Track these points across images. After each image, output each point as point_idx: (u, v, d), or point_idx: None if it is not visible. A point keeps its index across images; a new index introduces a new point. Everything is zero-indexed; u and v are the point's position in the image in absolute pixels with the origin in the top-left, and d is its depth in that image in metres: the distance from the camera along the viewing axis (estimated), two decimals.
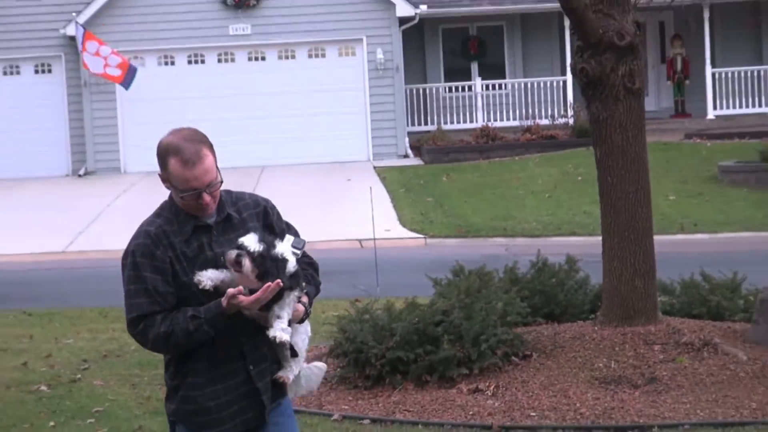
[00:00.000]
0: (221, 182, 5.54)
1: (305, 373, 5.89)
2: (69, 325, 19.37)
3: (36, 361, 16.48)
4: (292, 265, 5.39)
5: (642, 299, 15.35)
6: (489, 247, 25.92)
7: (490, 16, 45.74)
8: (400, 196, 35.41)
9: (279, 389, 5.79)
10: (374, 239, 18.64)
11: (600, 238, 15.78)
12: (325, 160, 40.69)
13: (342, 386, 13.83)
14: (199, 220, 5.57)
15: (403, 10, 42.50)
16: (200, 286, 5.39)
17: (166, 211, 5.61)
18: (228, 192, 5.74)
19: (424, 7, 43.14)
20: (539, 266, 16.50)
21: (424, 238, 31.19)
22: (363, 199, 27.20)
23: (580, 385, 13.78)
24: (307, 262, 5.78)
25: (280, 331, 5.31)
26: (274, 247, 5.33)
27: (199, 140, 5.45)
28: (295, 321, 5.57)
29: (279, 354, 5.68)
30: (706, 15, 44.02)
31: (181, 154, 5.36)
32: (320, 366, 6.05)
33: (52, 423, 13.23)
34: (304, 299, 5.63)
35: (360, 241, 24.65)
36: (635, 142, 15.72)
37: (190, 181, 5.36)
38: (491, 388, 13.84)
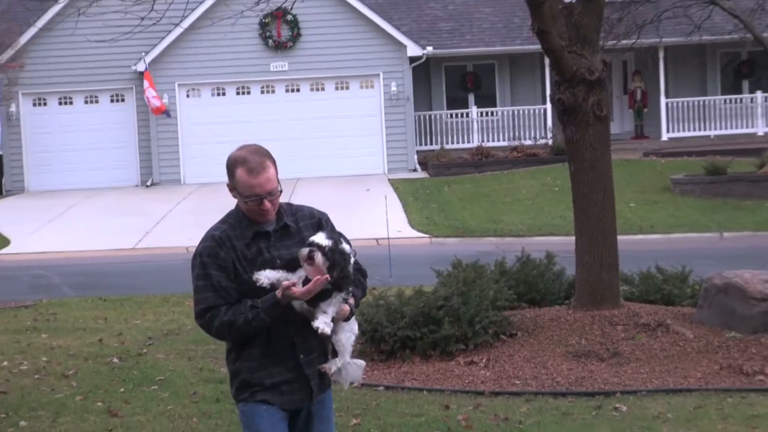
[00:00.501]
0: (281, 192, 5.50)
1: (347, 367, 5.74)
2: (137, 308, 19.38)
3: (109, 338, 16.51)
4: (351, 263, 5.40)
5: (607, 288, 15.46)
6: (482, 245, 25.87)
7: (484, 56, 45.68)
8: (410, 203, 35.32)
9: (325, 378, 5.72)
10: (388, 238, 18.66)
11: (573, 237, 15.90)
12: (348, 174, 40.59)
13: (361, 359, 13.85)
14: (259, 227, 5.52)
15: (413, 50, 42.50)
16: (258, 284, 5.35)
17: (231, 218, 5.57)
18: (289, 204, 5.69)
19: (430, 48, 43.20)
20: (523, 261, 16.57)
21: (429, 237, 31.12)
22: (379, 205, 27.29)
23: (556, 358, 13.89)
24: (356, 269, 5.67)
25: (323, 323, 5.24)
26: (341, 242, 5.33)
27: (263, 154, 5.43)
28: (341, 319, 5.49)
29: (326, 347, 5.63)
30: (661, 55, 43.86)
31: (247, 164, 5.35)
32: (360, 363, 5.88)
33: (122, 389, 13.25)
34: (351, 301, 5.54)
35: (377, 239, 24.58)
36: (602, 159, 15.83)
37: (254, 188, 5.34)
38: (483, 360, 13.94)
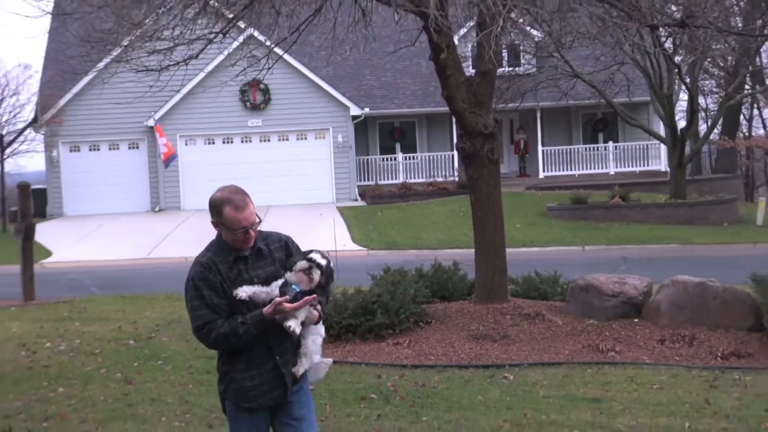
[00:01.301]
0: (260, 221, 5.37)
1: (315, 367, 5.51)
2: (147, 303, 19.28)
3: (126, 325, 16.40)
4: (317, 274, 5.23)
5: (498, 287, 15.53)
6: (406, 255, 25.81)
7: (407, 115, 45.76)
8: (352, 224, 35.26)
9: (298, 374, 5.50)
10: (336, 250, 18.61)
11: (473, 250, 15.94)
12: (306, 202, 40.49)
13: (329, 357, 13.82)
14: (238, 252, 5.34)
15: (354, 111, 42.60)
16: (237, 297, 5.19)
17: (214, 246, 5.40)
18: (260, 231, 5.46)
19: (367, 109, 43.23)
20: (436, 267, 16.58)
21: (367, 250, 30.94)
22: (329, 226, 27.17)
23: (460, 340, 13.93)
24: (329, 277, 5.44)
25: (294, 324, 5.08)
26: (329, 262, 5.23)
27: (243, 192, 5.29)
28: (311, 323, 5.31)
29: (298, 349, 5.41)
30: (538, 114, 44.14)
31: (233, 203, 5.21)
32: (327, 361, 5.64)
33: (135, 364, 13.20)
34: (319, 307, 5.35)
35: (327, 251, 24.54)
36: (494, 191, 15.90)
37: (241, 221, 5.20)
38: (406, 342, 13.95)
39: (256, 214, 5.33)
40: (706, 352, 13.13)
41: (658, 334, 13.88)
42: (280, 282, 5.34)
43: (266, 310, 5.12)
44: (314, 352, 5.37)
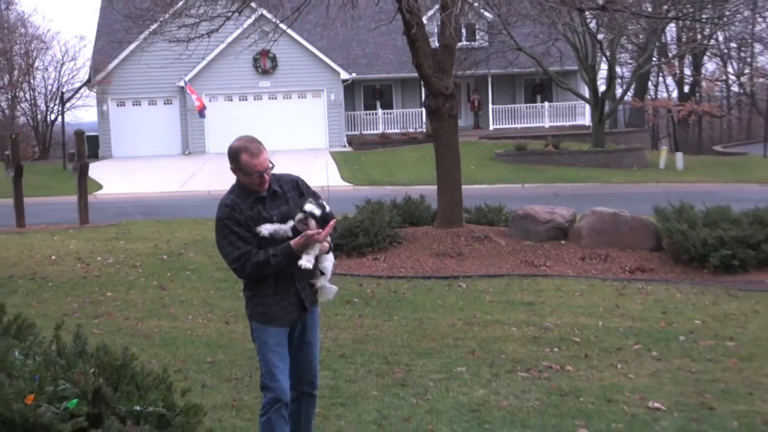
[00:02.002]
0: (273, 167, 5.01)
1: (326, 287, 5.21)
2: (178, 226, 19.23)
3: (161, 243, 16.37)
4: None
5: (455, 216, 15.52)
6: (384, 190, 25.77)
7: (386, 79, 45.59)
8: (341, 165, 35.15)
9: (313, 297, 5.22)
10: (328, 186, 18.51)
11: (436, 186, 15.91)
12: (305, 148, 40.20)
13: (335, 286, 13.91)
14: (257, 194, 4.98)
15: (344, 75, 42.37)
16: (260, 234, 4.86)
17: (236, 190, 5.02)
18: (273, 174, 5.08)
19: (354, 74, 43.01)
20: (407, 199, 16.53)
21: (352, 186, 30.78)
22: (323, 166, 27.15)
23: (425, 257, 13.94)
24: (330, 214, 5.05)
25: (305, 261, 4.79)
26: (324, 208, 4.86)
27: (257, 141, 4.96)
28: (324, 253, 5.03)
29: (312, 275, 5.09)
30: (489, 80, 44.01)
31: (249, 151, 4.87)
32: (334, 288, 5.27)
33: (168, 274, 13.19)
34: (329, 239, 5.02)
35: (321, 186, 24.43)
36: (453, 140, 15.87)
37: (255, 167, 4.85)
38: (382, 258, 13.95)
39: (269, 160, 5.00)
40: (616, 267, 13.27)
41: (580, 253, 13.97)
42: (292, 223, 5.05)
43: (295, 242, 4.84)
44: (328, 272, 5.14)
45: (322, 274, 5.16)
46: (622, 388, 7.22)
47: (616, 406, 6.74)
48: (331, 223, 4.88)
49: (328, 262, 5.15)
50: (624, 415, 6.53)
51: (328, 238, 5.02)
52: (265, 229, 4.86)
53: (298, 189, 5.26)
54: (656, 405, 6.75)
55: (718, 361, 8.08)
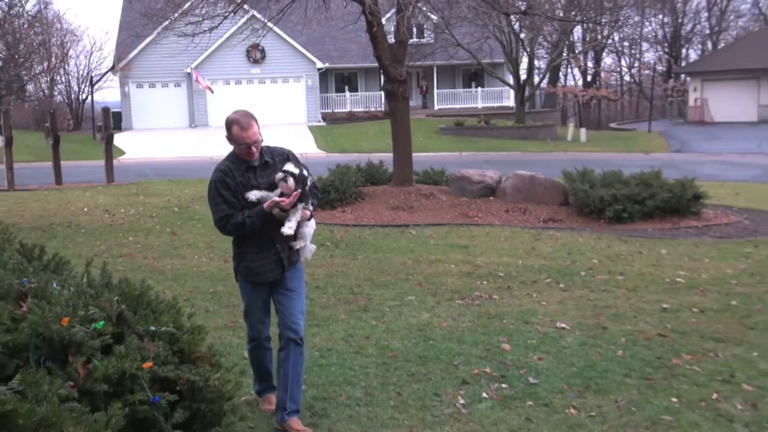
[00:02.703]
0: (262, 141, 4.60)
1: (306, 248, 4.79)
2: (186, 185, 19.08)
3: (173, 198, 16.23)
4: (307, 184, 4.52)
5: (407, 177, 15.50)
6: (351, 157, 25.61)
7: (352, 68, 45.13)
8: (317, 137, 34.95)
9: (293, 257, 4.76)
10: (306, 153, 18.45)
11: (392, 154, 15.88)
12: (288, 122, 39.90)
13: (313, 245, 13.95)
14: (248, 163, 4.58)
15: (319, 65, 41.99)
16: (249, 200, 4.48)
17: (231, 157, 4.61)
18: (267, 146, 4.73)
19: (327, 64, 42.60)
20: (369, 164, 16.48)
21: (326, 153, 30.49)
22: (302, 137, 27.04)
23: (383, 209, 13.93)
24: (313, 185, 4.72)
25: (287, 228, 4.43)
26: (301, 171, 4.50)
27: (250, 115, 4.57)
28: (305, 220, 4.62)
29: (292, 239, 4.66)
30: (435, 69, 43.82)
31: (239, 124, 4.49)
32: (312, 247, 4.87)
33: (179, 222, 13.04)
34: (310, 207, 4.63)
35: (301, 154, 24.45)
36: (405, 117, 15.78)
37: (244, 139, 4.47)
38: (349, 210, 13.90)
39: (259, 134, 4.61)
40: (533, 218, 13.35)
41: (504, 207, 14.04)
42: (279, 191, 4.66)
43: (266, 205, 4.46)
44: (308, 236, 4.73)
45: (301, 238, 4.76)
46: (536, 312, 7.31)
47: (531, 327, 6.82)
48: (295, 193, 4.44)
49: (308, 228, 4.77)
50: (537, 334, 6.61)
51: (310, 208, 4.65)
52: (253, 194, 4.53)
53: (288, 161, 4.86)
54: (562, 325, 6.85)
55: (611, 291, 8.21)
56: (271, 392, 4.97)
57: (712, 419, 4.89)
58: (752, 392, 5.34)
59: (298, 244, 4.75)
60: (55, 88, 51.14)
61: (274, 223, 4.52)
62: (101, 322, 2.69)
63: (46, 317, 2.57)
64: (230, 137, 4.58)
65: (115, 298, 2.88)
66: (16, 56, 39.42)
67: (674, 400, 5.17)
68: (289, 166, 4.56)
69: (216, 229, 4.69)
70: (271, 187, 4.59)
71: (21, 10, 42.70)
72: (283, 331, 4.74)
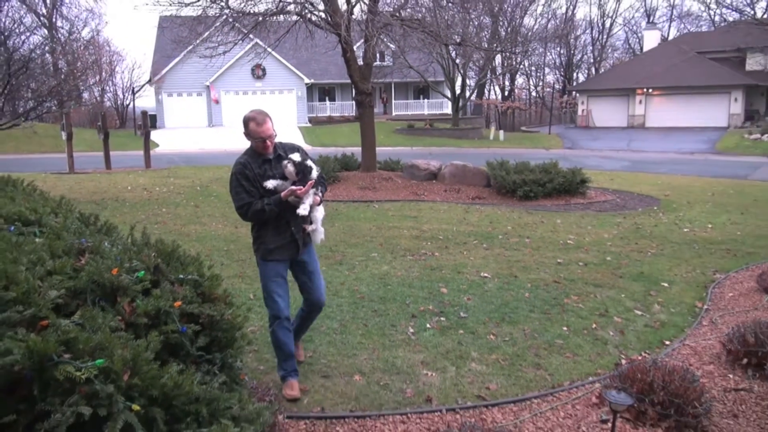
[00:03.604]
0: (275, 135, 4.05)
1: (317, 231, 4.19)
2: (206, 170, 18.80)
3: (195, 180, 15.91)
4: (315, 174, 3.98)
5: (372, 165, 15.42)
6: (330, 150, 25.46)
7: (332, 84, 44.58)
8: (305, 134, 34.57)
9: (306, 238, 4.17)
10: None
11: (361, 147, 15.77)
12: (283, 124, 39.28)
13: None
14: (264, 156, 4.02)
15: (306, 81, 41.35)
16: (267, 188, 3.91)
17: (249, 151, 4.03)
18: (281, 142, 4.16)
19: (312, 80, 42.02)
20: (344, 155, 16.34)
21: (312, 147, 30.29)
22: (294, 135, 26.68)
23: (354, 189, 13.78)
24: (320, 176, 4.10)
25: (302, 209, 3.89)
26: (305, 161, 3.97)
27: (264, 113, 4.04)
28: (315, 205, 4.07)
29: (306, 221, 4.10)
30: (393, 85, 43.63)
31: (255, 120, 3.96)
32: (322, 230, 4.26)
33: (200, 198, 12.85)
34: (320, 194, 4.08)
35: (307, 154, 24.19)
36: (371, 121, 15.64)
37: (259, 133, 3.94)
38: (329, 190, 13.80)
39: (273, 129, 4.07)
40: (464, 196, 13.33)
41: (444, 188, 14.02)
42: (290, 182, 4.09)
43: (283, 193, 3.91)
44: (318, 220, 4.16)
45: (312, 222, 4.21)
46: (466, 265, 7.35)
47: (462, 276, 6.84)
48: (309, 182, 3.91)
49: (319, 212, 4.22)
50: (467, 281, 6.64)
51: (319, 194, 4.10)
52: (271, 183, 3.97)
53: (296, 153, 4.34)
54: (485, 275, 6.89)
55: (520, 250, 8.28)
56: (294, 377, 4.15)
57: (591, 342, 4.99)
58: (621, 323, 5.45)
59: (310, 227, 4.22)
60: (105, 95, 50.16)
61: (290, 209, 4.01)
62: (142, 272, 2.64)
63: (100, 268, 2.52)
64: (247, 133, 4.06)
65: (153, 254, 2.83)
66: (75, 71, 38.26)
67: (565, 328, 5.26)
68: (294, 155, 4.08)
69: (238, 215, 4.09)
70: (284, 176, 4.09)
71: (78, 35, 41.73)
72: (311, 302, 4.29)
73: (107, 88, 49.53)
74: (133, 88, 45.97)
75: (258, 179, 3.98)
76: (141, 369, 2.07)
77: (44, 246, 2.74)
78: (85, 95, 47.23)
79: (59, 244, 2.79)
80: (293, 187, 3.90)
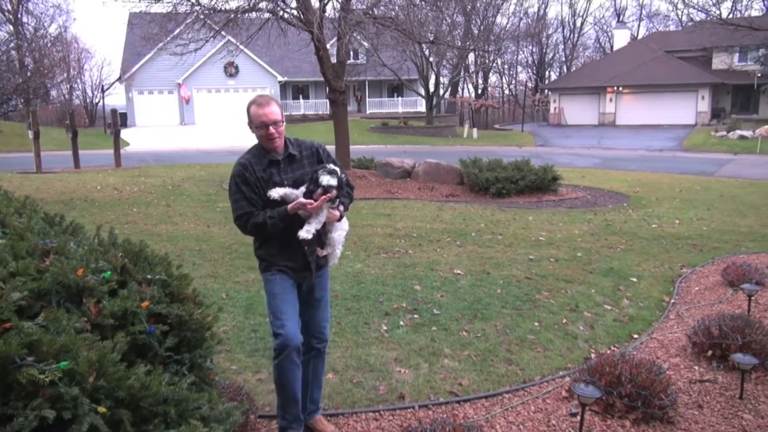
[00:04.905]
0: (283, 123, 3.21)
1: (335, 253, 3.36)
2: (178, 169, 18.54)
3: (167, 179, 15.74)
4: (331, 181, 3.08)
5: (346, 163, 15.39)
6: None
7: (305, 81, 44.34)
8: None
9: (321, 261, 3.33)
10: None
11: (335, 145, 15.73)
12: None
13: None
14: (272, 156, 3.19)
15: (280, 79, 41.18)
16: (271, 198, 3.11)
17: (253, 150, 3.24)
18: (296, 139, 3.33)
19: (285, 78, 41.75)
20: (324, 147, 16.33)
21: None
22: None
23: None
24: (346, 184, 3.28)
25: (304, 232, 3.05)
26: (340, 176, 3.14)
27: (270, 96, 3.27)
28: (333, 221, 3.23)
29: (319, 243, 3.25)
30: (367, 83, 43.63)
31: (256, 102, 3.18)
32: (338, 253, 3.40)
33: (172, 197, 12.70)
34: (341, 208, 3.22)
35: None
36: (344, 119, 15.66)
37: (260, 117, 3.14)
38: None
39: (281, 117, 3.22)
40: (438, 194, 13.37)
41: (417, 186, 14.05)
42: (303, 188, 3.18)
43: (290, 206, 3.10)
44: (338, 242, 3.35)
45: (329, 244, 3.34)
46: (440, 262, 7.37)
47: (435, 273, 6.85)
48: (324, 197, 3.05)
49: (339, 231, 3.32)
50: (440, 278, 6.66)
51: (341, 207, 3.22)
52: (276, 192, 3.15)
53: (317, 156, 3.35)
54: (458, 271, 6.92)
55: (493, 246, 8.33)
56: (298, 428, 3.42)
57: (562, 337, 5.05)
58: (591, 317, 5.53)
59: (325, 251, 3.35)
60: (74, 93, 49.30)
61: (299, 224, 3.15)
62: (108, 272, 2.61)
63: (65, 269, 2.48)
64: (249, 121, 3.27)
65: (120, 254, 2.80)
66: (41, 68, 37.51)
67: (536, 324, 5.31)
68: (325, 178, 3.08)
69: (237, 227, 3.26)
70: (296, 183, 3.20)
71: (45, 32, 40.87)
72: (309, 339, 3.41)
73: (76, 85, 48.78)
74: (103, 85, 45.30)
75: (261, 185, 3.18)
76: (107, 370, 2.04)
77: (6, 247, 2.69)
78: (53, 93, 46.40)
79: (23, 245, 2.74)
80: (302, 200, 3.08)
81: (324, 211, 3.13)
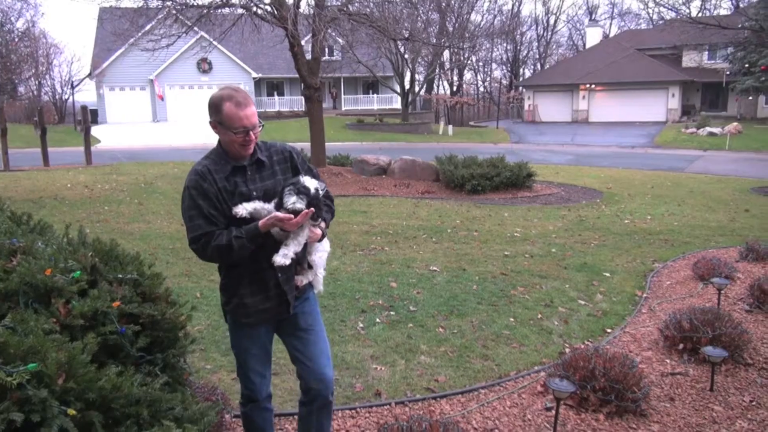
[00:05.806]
0: (262, 126, 2.56)
1: (319, 277, 2.74)
2: (150, 166, 18.25)
3: (139, 177, 15.52)
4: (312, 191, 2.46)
5: (321, 160, 15.37)
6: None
7: (280, 78, 44.08)
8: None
9: (301, 290, 2.70)
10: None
11: (310, 142, 15.65)
12: None
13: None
14: (236, 162, 2.55)
15: (254, 75, 40.76)
16: (237, 216, 2.47)
17: (213, 154, 2.58)
18: (263, 141, 2.67)
19: (260, 74, 41.40)
20: (298, 150, 16.26)
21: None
22: None
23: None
24: (326, 196, 2.62)
25: (281, 257, 2.44)
26: (308, 193, 2.43)
27: (245, 92, 2.59)
28: (314, 241, 2.60)
29: (297, 267, 2.65)
30: (342, 80, 43.50)
31: (234, 99, 2.50)
32: (322, 273, 2.76)
33: (144, 195, 12.54)
34: (322, 225, 2.60)
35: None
36: (319, 116, 15.60)
37: (242, 119, 2.48)
38: None
39: (259, 119, 2.57)
40: (414, 190, 13.40)
41: (393, 183, 14.08)
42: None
43: (262, 222, 2.45)
44: (319, 266, 2.73)
45: (311, 267, 2.72)
46: (416, 259, 7.39)
47: (412, 270, 6.88)
48: (306, 211, 2.40)
49: (320, 252, 2.72)
50: (416, 274, 6.68)
51: (322, 224, 2.62)
52: (243, 209, 2.49)
53: (291, 161, 2.71)
54: (434, 268, 6.95)
55: (469, 243, 8.38)
56: None
57: (537, 332, 5.10)
58: (565, 312, 5.59)
59: (306, 279, 2.73)
60: (43, 89, 48.29)
61: (273, 245, 2.53)
62: (78, 272, 2.55)
63: (32, 269, 2.43)
64: (218, 121, 2.56)
65: (90, 253, 2.74)
66: (8, 64, 36.67)
67: (512, 319, 5.35)
68: (291, 200, 2.43)
69: (193, 252, 2.59)
70: (267, 195, 2.57)
71: (12, 27, 39.91)
72: (307, 383, 2.75)
73: (44, 81, 47.73)
74: (72, 82, 44.41)
75: (224, 197, 2.54)
76: (77, 372, 2.00)
77: None
78: (21, 89, 45.41)
79: None
80: (278, 214, 2.43)
81: (305, 229, 2.51)
